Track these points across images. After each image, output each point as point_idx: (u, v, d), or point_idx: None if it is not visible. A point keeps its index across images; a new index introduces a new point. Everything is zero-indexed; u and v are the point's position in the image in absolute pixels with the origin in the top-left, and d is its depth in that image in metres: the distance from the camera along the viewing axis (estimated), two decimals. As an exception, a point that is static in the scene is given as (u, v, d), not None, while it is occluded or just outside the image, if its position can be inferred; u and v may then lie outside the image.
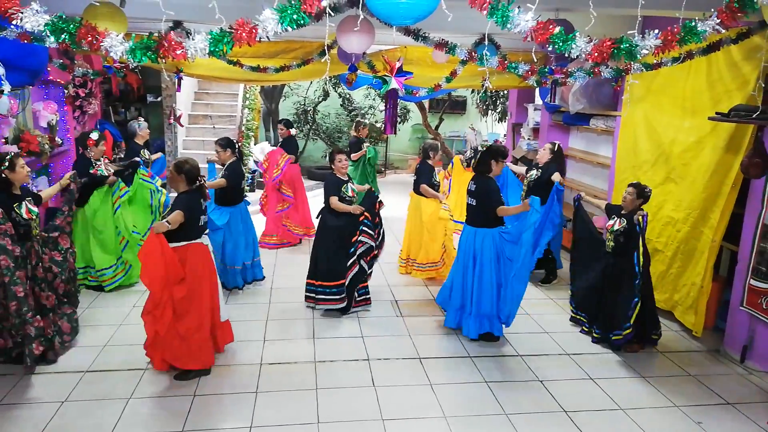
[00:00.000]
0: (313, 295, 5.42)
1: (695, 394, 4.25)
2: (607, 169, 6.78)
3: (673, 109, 5.38)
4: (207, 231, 4.42)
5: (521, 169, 6.71)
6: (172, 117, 8.47)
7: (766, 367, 4.52)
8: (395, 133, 5.00)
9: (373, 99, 13.99)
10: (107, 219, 5.74)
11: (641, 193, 4.77)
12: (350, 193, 5.38)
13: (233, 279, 5.95)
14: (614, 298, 4.82)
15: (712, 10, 2.84)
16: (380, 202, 5.43)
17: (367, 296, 5.55)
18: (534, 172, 6.27)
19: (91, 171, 5.66)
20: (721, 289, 5.24)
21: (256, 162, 11.04)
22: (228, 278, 5.88)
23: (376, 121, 13.89)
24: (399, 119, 13.56)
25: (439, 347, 4.87)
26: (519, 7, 2.76)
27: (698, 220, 5.02)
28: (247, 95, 11.32)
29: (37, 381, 4.08)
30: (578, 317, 5.33)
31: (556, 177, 5.89)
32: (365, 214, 5.23)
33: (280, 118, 8.47)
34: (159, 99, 10.36)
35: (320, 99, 13.51)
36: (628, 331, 4.62)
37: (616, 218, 4.87)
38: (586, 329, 5.20)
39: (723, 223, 4.81)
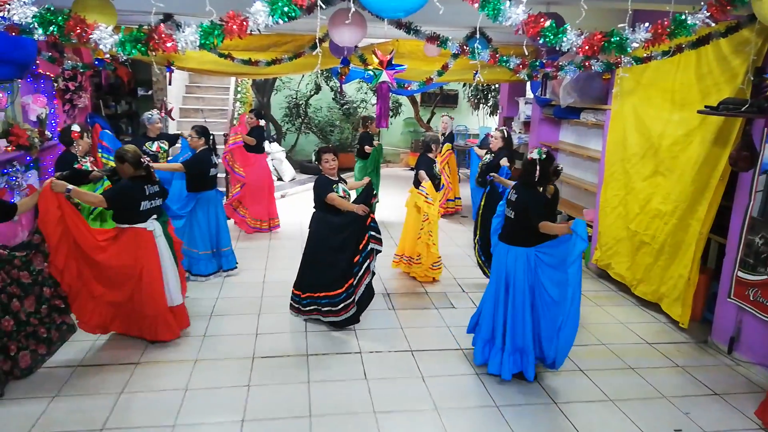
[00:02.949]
0: (315, 307, 5.00)
1: (683, 385, 4.30)
2: (597, 162, 6.81)
3: (662, 103, 5.41)
4: (155, 216, 4.47)
5: (482, 152, 7.21)
6: (164, 111, 8.42)
7: (753, 357, 4.58)
8: (387, 127, 5.00)
9: (365, 92, 13.96)
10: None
11: (555, 171, 5.07)
12: (341, 194, 4.93)
13: (206, 265, 6.09)
14: None
15: (702, 3, 2.87)
16: (375, 194, 5.31)
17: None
18: (487, 157, 6.65)
19: (76, 166, 5.55)
20: (708, 281, 5.29)
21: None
22: (198, 264, 6.04)
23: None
24: (391, 113, 13.55)
25: (431, 340, 4.89)
26: (510, 1, 2.76)
27: (686, 212, 5.06)
28: (239, 89, 11.28)
29: (28, 376, 4.05)
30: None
31: (504, 162, 6.32)
32: (371, 216, 4.94)
33: (251, 109, 8.41)
34: (150, 92, 10.29)
35: (312, 92, 13.47)
36: None
37: None
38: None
39: (711, 215, 4.86)
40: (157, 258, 4.43)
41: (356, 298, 4.93)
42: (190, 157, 5.98)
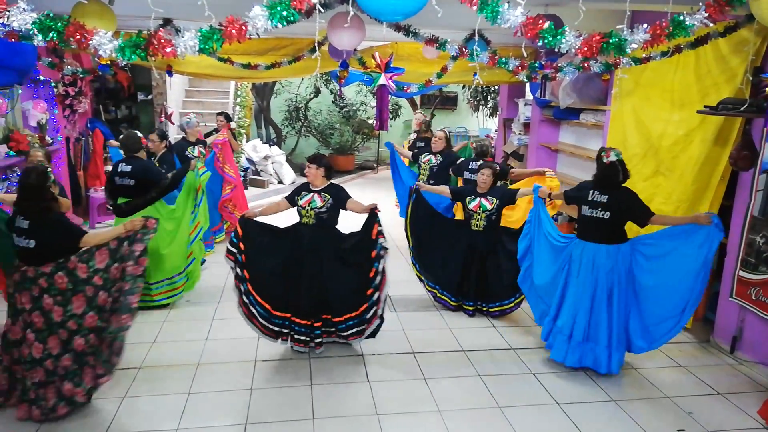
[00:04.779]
0: None
1: (686, 385, 4.30)
2: (598, 163, 6.81)
3: (661, 103, 5.42)
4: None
5: (408, 153, 7.37)
6: (163, 115, 8.43)
7: (756, 357, 4.57)
8: (386, 129, 5.01)
9: (365, 95, 13.98)
10: (185, 213, 5.33)
11: (495, 172, 5.35)
12: (302, 203, 4.39)
13: None
14: (495, 271, 5.25)
15: (700, 4, 2.87)
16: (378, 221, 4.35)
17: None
18: (433, 159, 6.88)
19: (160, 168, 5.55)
20: (710, 280, 5.27)
21: (248, 160, 11.03)
22: None
23: (368, 118, 13.89)
24: (390, 115, 13.56)
25: (433, 342, 4.89)
26: (508, 3, 2.77)
27: (687, 212, 5.05)
28: (239, 92, 11.28)
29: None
30: (443, 297, 5.61)
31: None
32: (236, 226, 4.40)
33: (219, 111, 8.25)
34: (150, 97, 10.32)
35: (311, 96, 13.49)
36: (521, 298, 5.19)
37: (480, 198, 5.25)
38: (453, 303, 5.53)
39: (712, 215, 4.86)
40: None
41: None
42: (158, 160, 5.98)
